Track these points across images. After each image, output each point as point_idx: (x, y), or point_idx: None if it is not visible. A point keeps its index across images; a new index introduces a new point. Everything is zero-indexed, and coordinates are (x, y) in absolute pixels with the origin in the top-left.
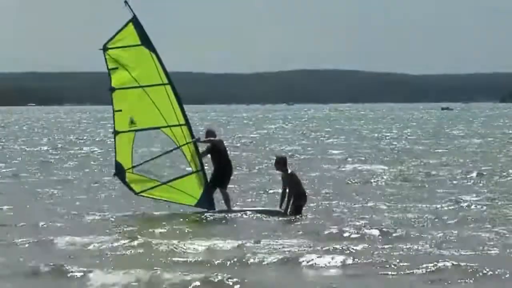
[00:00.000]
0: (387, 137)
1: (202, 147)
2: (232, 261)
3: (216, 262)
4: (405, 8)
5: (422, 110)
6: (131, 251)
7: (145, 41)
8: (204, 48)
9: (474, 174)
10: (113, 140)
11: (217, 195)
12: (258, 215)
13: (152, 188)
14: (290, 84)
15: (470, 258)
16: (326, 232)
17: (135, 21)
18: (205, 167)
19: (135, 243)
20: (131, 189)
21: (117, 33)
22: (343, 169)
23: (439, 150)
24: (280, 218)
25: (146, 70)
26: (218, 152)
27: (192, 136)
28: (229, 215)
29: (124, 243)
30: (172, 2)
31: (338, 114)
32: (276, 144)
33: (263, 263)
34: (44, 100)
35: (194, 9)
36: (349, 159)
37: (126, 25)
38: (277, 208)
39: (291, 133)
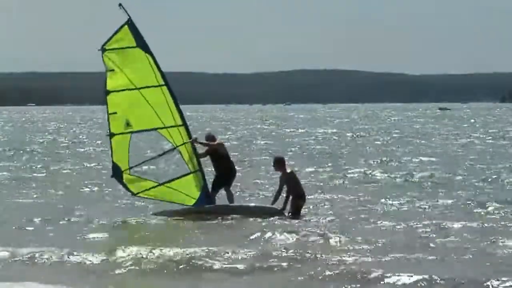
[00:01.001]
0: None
1: (201, 149)
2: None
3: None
4: (405, 8)
5: (410, 110)
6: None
7: (141, 43)
8: (204, 48)
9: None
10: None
11: (219, 194)
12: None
13: (150, 189)
14: (290, 84)
15: None
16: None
17: (130, 23)
18: (205, 169)
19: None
20: (128, 190)
21: (113, 35)
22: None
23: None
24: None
25: (142, 72)
26: (219, 156)
27: (190, 136)
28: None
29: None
30: (173, 2)
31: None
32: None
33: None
34: (44, 100)
35: (195, 9)
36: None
37: (121, 27)
38: (272, 206)
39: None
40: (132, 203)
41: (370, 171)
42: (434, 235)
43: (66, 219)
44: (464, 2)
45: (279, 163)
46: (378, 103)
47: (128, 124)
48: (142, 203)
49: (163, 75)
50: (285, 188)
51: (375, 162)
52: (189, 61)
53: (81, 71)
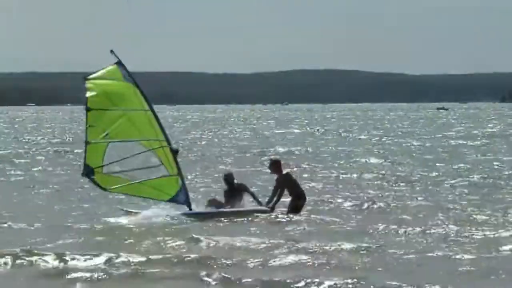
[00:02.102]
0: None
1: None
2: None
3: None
4: (405, 8)
5: (405, 110)
6: None
7: (128, 77)
8: (204, 48)
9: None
10: None
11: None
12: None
13: (122, 186)
14: (290, 84)
15: None
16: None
17: (119, 64)
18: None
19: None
20: (99, 186)
21: (100, 70)
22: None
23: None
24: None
25: (127, 98)
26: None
27: (169, 143)
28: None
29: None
30: (173, 2)
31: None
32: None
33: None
34: (44, 100)
35: (195, 9)
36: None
37: (110, 66)
38: (263, 207)
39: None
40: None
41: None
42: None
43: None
44: (464, 2)
45: (275, 165)
46: (378, 103)
47: (106, 135)
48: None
49: (149, 103)
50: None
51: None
52: (189, 61)
53: (81, 71)
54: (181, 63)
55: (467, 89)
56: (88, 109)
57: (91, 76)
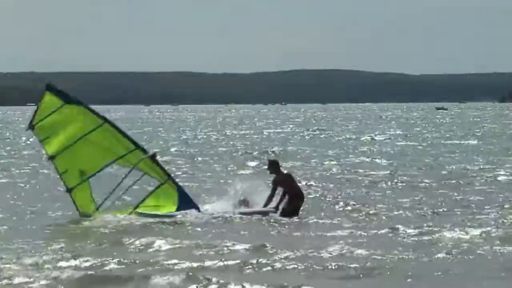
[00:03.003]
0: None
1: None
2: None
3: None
4: (405, 8)
5: (402, 109)
6: None
7: (67, 98)
8: (204, 48)
9: None
10: None
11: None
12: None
13: (130, 213)
14: (290, 84)
15: None
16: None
17: (49, 87)
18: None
19: None
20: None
21: (37, 108)
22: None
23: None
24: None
25: (78, 123)
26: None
27: (146, 153)
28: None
29: None
30: (173, 2)
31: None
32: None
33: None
34: None
35: (195, 9)
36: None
37: (43, 97)
38: (265, 208)
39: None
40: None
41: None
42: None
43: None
44: (464, 2)
45: (273, 165)
46: (378, 103)
47: (82, 173)
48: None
49: (99, 115)
50: (280, 190)
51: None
52: (189, 61)
53: (81, 71)
54: (181, 63)
55: (467, 89)
56: (51, 157)
57: (35, 121)
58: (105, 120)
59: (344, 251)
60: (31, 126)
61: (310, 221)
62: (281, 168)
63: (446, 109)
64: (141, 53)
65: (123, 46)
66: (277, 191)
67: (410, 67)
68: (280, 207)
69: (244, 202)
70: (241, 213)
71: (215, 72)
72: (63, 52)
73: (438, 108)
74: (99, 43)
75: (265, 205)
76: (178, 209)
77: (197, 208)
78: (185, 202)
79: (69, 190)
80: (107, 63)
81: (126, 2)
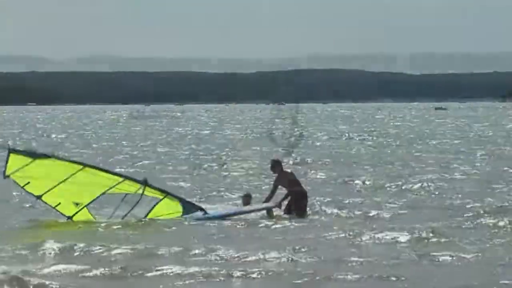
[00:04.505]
0: None
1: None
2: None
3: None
4: (404, 8)
5: (399, 109)
6: None
7: (34, 155)
8: (204, 48)
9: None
10: None
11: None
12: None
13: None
14: (290, 84)
15: None
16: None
17: (12, 151)
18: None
19: None
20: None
21: (6, 164)
22: None
23: None
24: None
25: (57, 168)
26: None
27: (137, 181)
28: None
29: None
30: (173, 2)
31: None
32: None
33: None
34: (44, 100)
35: (195, 9)
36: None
37: (7, 160)
38: (266, 204)
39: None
40: None
41: None
42: None
43: None
44: (464, 2)
45: (276, 164)
46: (378, 102)
47: (77, 204)
48: None
49: (77, 162)
50: (280, 188)
51: None
52: (189, 61)
53: (81, 71)
54: (182, 63)
55: (467, 88)
56: (39, 197)
57: (9, 171)
58: (86, 164)
59: (337, 256)
60: (6, 176)
61: (307, 223)
62: (283, 167)
63: (445, 109)
64: (141, 53)
65: (123, 46)
66: (280, 191)
67: (410, 67)
68: (284, 203)
69: (245, 199)
70: (243, 212)
71: (215, 72)
72: (63, 52)
73: (437, 108)
74: (100, 44)
75: (265, 201)
76: (183, 214)
77: (203, 210)
78: (189, 208)
79: (70, 218)
80: (106, 63)
81: (127, 3)
